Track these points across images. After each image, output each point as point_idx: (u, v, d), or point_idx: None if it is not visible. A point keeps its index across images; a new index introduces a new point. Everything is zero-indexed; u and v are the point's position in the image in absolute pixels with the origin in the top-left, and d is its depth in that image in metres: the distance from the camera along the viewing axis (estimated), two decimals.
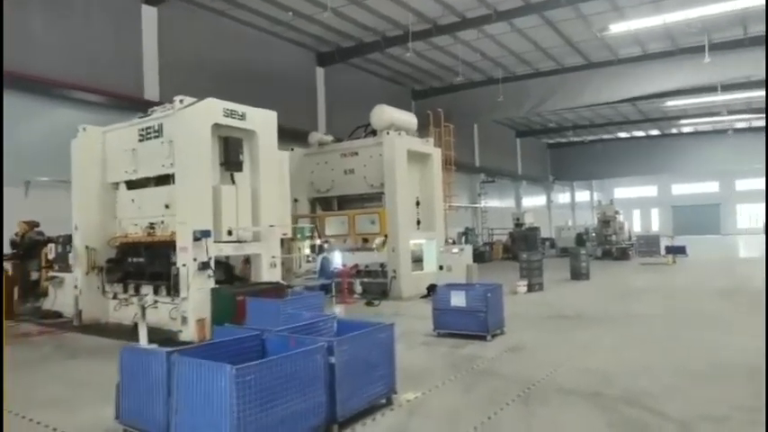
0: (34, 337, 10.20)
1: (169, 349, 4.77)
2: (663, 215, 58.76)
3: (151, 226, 10.67)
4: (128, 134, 11.20)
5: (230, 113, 10.21)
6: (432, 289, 9.20)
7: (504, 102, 29.11)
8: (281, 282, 10.51)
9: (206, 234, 9.42)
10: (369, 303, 13.19)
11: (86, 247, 11.51)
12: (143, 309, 8.97)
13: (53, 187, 14.23)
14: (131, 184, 11.40)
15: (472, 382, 6.67)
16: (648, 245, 28.92)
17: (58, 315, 12.27)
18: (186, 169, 9.53)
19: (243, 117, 10.45)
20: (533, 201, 45.75)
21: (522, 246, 27.11)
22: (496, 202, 39.58)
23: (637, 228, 54.87)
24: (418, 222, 15.91)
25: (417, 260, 16.11)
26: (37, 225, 14.13)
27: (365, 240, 15.46)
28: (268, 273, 10.68)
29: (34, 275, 13.69)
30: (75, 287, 11.50)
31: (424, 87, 32.02)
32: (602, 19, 22.47)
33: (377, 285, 14.94)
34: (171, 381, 4.48)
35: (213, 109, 9.94)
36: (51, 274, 12.89)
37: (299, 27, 23.20)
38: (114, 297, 11.43)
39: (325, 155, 16.59)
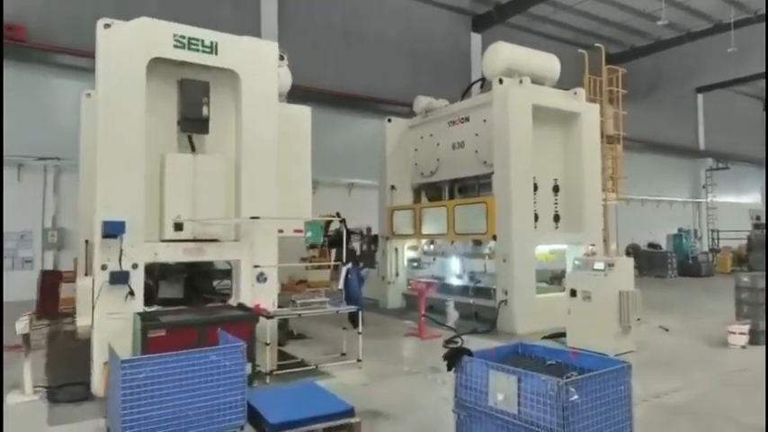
0: None
1: None
2: None
3: None
4: None
5: (188, 43, 6.44)
6: (453, 359, 4.07)
7: (739, 54, 20.15)
8: (260, 309, 6.38)
9: (117, 228, 5.83)
10: (449, 342, 8.23)
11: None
12: (25, 338, 5.82)
13: None
14: None
15: None
16: None
17: None
18: (105, 128, 6.05)
19: (212, 49, 6.59)
20: None
21: (763, 256, 18.16)
22: (731, 197, 29.13)
23: None
24: (556, 218, 10.18)
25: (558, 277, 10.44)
26: None
27: (477, 243, 10.41)
28: (250, 290, 6.66)
29: None
30: None
31: (623, 49, 24.32)
32: None
33: (489, 310, 9.77)
34: None
35: (152, 33, 6.26)
36: None
37: None
38: None
39: (430, 125, 11.88)
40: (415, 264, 12.53)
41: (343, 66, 18.70)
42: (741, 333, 8.02)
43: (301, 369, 6.60)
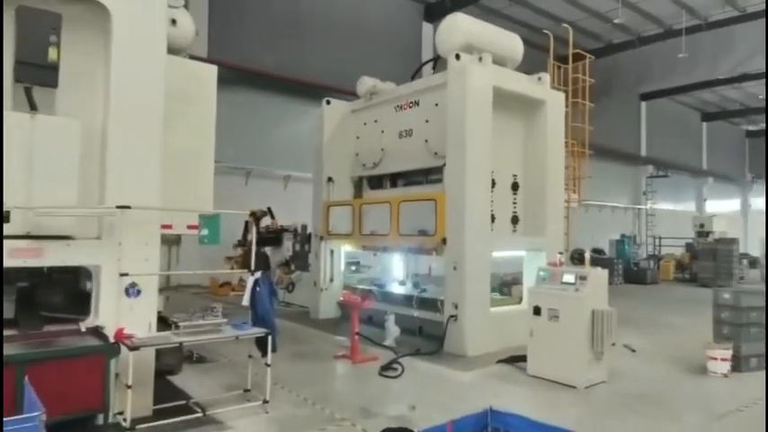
0: None
1: None
2: None
3: None
4: None
5: None
6: None
7: (689, 60, 19.72)
8: (122, 336, 4.49)
9: None
10: (385, 369, 6.59)
11: None
12: None
13: None
14: None
15: None
16: None
17: None
18: None
19: None
20: (722, 204, 33.79)
21: (709, 265, 17.71)
22: (669, 204, 29.26)
23: None
24: (515, 220, 8.76)
25: (509, 284, 9.04)
26: None
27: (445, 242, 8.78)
28: (115, 308, 4.74)
29: None
30: None
31: (575, 50, 23.51)
32: None
33: (436, 326, 8.19)
34: None
35: None
36: None
37: None
38: None
39: (374, 110, 10.20)
40: (353, 268, 10.88)
41: (287, 49, 16.80)
42: (723, 359, 6.82)
43: (182, 418, 4.72)
